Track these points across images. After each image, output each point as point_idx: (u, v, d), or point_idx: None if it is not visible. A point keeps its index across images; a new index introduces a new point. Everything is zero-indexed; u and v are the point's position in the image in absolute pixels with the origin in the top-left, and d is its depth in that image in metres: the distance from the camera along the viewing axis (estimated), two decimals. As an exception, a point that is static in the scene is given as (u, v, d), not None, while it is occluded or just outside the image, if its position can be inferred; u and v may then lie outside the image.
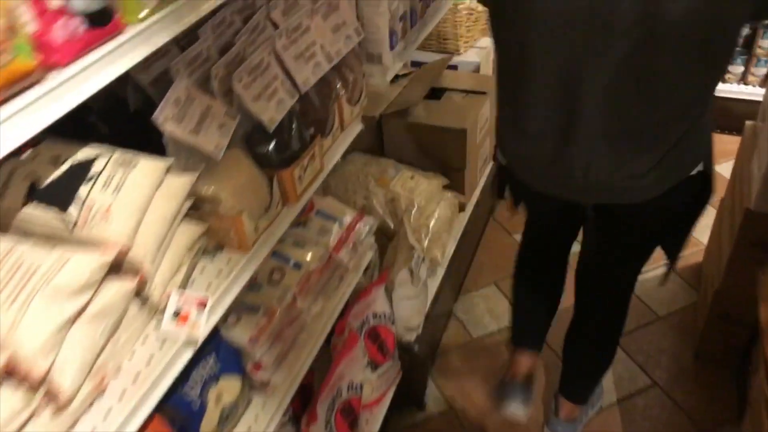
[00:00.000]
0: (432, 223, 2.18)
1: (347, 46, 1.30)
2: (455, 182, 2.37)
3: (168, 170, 0.96)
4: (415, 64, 2.82)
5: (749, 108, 3.07)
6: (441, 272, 2.24)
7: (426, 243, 2.14)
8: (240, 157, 1.10)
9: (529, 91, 1.23)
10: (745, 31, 3.03)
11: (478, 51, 2.80)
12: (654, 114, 1.17)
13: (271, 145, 1.14)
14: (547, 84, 1.19)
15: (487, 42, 2.85)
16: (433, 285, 2.19)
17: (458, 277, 2.48)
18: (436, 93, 2.48)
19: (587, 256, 1.70)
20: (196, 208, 1.07)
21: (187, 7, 0.90)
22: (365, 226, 1.55)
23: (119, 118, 1.15)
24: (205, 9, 0.91)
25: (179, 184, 0.96)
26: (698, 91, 1.19)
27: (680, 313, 2.33)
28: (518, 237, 2.72)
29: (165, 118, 0.96)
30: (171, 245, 1.00)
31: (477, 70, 2.75)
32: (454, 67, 2.76)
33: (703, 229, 2.67)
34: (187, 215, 1.04)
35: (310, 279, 1.36)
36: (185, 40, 1.16)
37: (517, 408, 1.84)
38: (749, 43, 3.04)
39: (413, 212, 2.15)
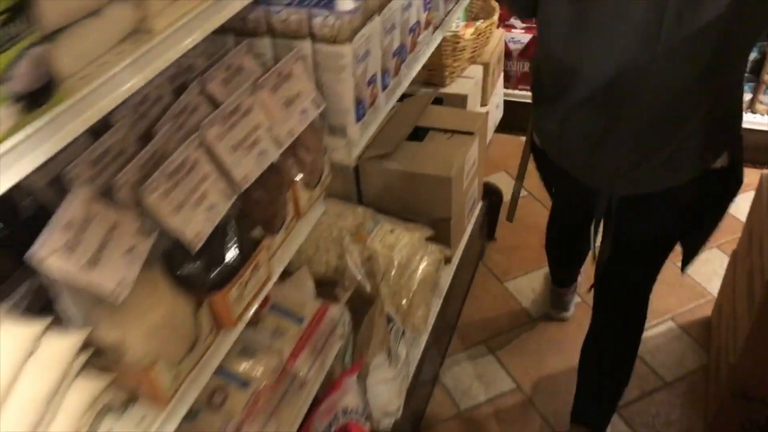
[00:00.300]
0: (414, 285, 1.95)
1: (303, 123, 1.07)
2: (440, 232, 2.14)
3: (44, 331, 0.72)
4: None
5: (757, 138, 2.86)
6: (424, 338, 2.01)
7: (406, 307, 1.91)
8: (156, 283, 0.87)
9: (574, 86, 1.32)
10: (753, 55, 2.82)
11: (465, 82, 2.57)
12: (676, 109, 1.26)
13: (199, 263, 0.90)
14: (591, 83, 1.28)
15: (475, 71, 2.62)
16: (416, 355, 1.97)
17: (444, 338, 2.25)
18: (418, 132, 2.25)
19: (607, 253, 1.66)
20: (99, 354, 0.83)
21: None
22: (332, 321, 1.31)
23: (7, 229, 0.91)
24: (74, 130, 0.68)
25: (60, 349, 0.72)
26: (721, 88, 1.27)
27: (689, 379, 2.11)
28: (510, 284, 2.51)
29: (48, 252, 0.72)
30: (62, 410, 0.77)
31: (464, 103, 2.52)
32: (440, 100, 2.53)
33: (710, 277, 2.46)
34: (88, 362, 0.81)
35: (259, 400, 1.13)
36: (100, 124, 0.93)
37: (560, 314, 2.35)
38: (758, 70, 2.83)
39: (392, 273, 1.92)
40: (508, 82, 3.15)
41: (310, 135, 1.12)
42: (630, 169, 1.37)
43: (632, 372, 1.77)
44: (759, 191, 1.97)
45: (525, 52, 3.03)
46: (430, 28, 1.55)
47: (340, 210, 2.09)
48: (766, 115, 2.86)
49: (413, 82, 2.54)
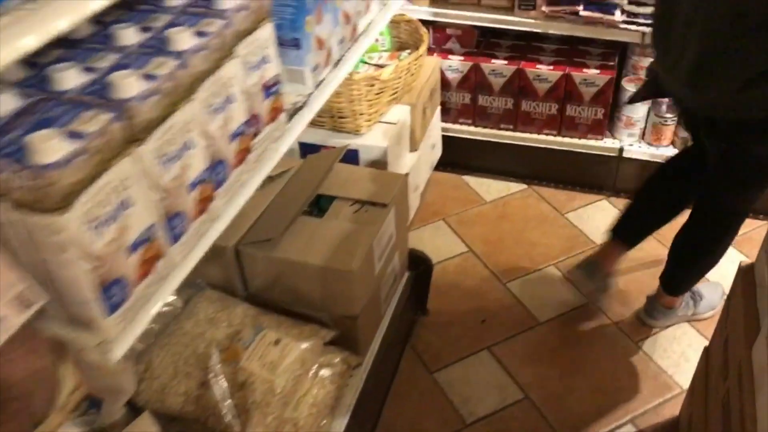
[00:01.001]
0: (302, 415, 1.52)
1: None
2: (346, 332, 1.71)
3: None
4: (306, 147, 2.14)
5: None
6: (320, 479, 1.58)
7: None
8: None
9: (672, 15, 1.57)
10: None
11: (386, 129, 2.13)
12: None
13: None
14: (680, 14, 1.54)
15: (399, 113, 2.18)
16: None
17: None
18: (321, 202, 1.81)
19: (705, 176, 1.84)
20: None
21: None
22: None
23: None
24: None
25: None
26: None
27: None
28: (440, 376, 2.06)
29: None
30: None
31: (384, 156, 2.08)
32: (354, 154, 2.09)
33: (677, 361, 2.07)
34: None
35: None
36: None
37: (586, 285, 2.21)
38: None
39: (273, 404, 1.48)
40: (447, 115, 2.71)
41: (20, 345, 0.67)
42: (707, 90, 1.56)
43: (715, 263, 1.96)
44: (735, 284, 1.57)
45: (465, 81, 2.60)
46: (282, 116, 1.10)
47: (214, 312, 1.64)
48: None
49: (323, 128, 2.11)
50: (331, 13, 1.21)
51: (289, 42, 1.10)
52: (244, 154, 0.97)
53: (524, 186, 2.77)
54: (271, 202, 1.79)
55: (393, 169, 2.15)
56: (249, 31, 0.93)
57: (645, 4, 2.24)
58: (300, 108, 1.18)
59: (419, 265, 2.13)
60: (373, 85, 2.01)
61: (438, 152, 2.69)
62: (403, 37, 2.41)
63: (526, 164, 2.74)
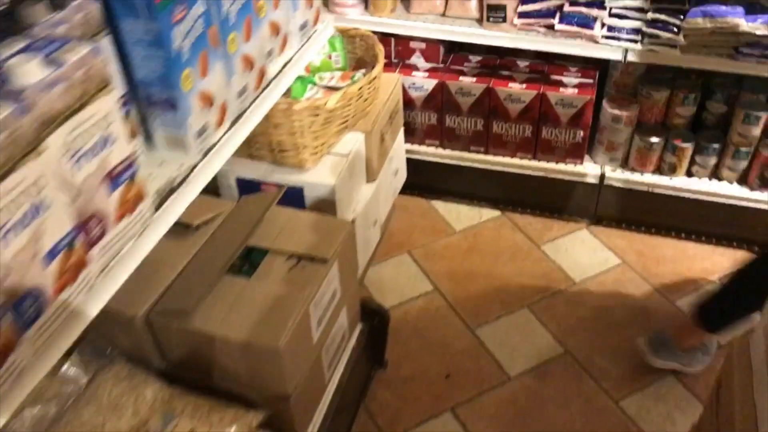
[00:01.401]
0: None
1: None
2: (279, 413, 1.47)
3: None
4: (244, 184, 1.89)
5: (724, 212, 2.24)
6: None
7: None
8: None
9: None
10: (721, 109, 2.18)
11: (334, 164, 1.87)
12: None
13: None
14: None
15: (350, 145, 1.92)
16: None
17: None
18: (252, 256, 1.56)
19: None
20: None
21: None
22: None
23: None
24: None
25: None
26: None
27: None
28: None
29: None
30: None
31: (331, 195, 1.82)
32: (298, 193, 1.83)
33: None
34: None
35: None
36: None
37: (652, 361, 1.93)
38: (724, 128, 2.19)
39: None
40: (412, 136, 2.46)
41: None
42: None
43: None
44: (732, 362, 1.33)
45: (430, 101, 2.35)
46: (145, 205, 0.85)
47: (119, 394, 1.39)
48: (734, 183, 2.23)
49: (262, 161, 1.83)
50: (223, 61, 0.96)
51: (161, 102, 0.85)
52: (72, 273, 0.72)
53: (497, 213, 2.53)
54: (193, 258, 1.54)
55: (344, 207, 1.90)
56: (73, 110, 0.68)
57: (627, 18, 1.99)
58: (177, 186, 0.92)
59: (373, 316, 1.89)
60: (317, 115, 1.76)
61: (402, 177, 2.44)
62: (359, 53, 2.15)
63: (499, 189, 2.50)
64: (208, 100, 0.94)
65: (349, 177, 1.92)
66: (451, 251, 2.38)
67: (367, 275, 2.29)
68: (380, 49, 2.01)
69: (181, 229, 1.58)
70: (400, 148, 2.34)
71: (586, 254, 2.34)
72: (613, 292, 2.20)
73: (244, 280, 1.50)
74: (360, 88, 1.86)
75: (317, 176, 1.83)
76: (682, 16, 1.92)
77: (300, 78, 1.97)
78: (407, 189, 2.54)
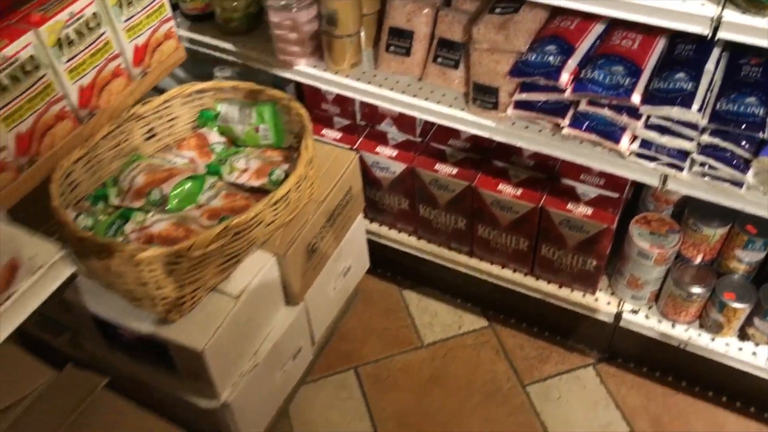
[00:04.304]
0: None
1: None
2: None
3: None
4: (99, 323, 1.41)
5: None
6: None
7: None
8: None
9: None
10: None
11: (212, 311, 1.35)
12: None
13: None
14: None
15: (247, 277, 1.39)
16: None
17: None
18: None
19: None
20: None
21: None
22: None
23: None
24: None
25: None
26: None
27: None
28: None
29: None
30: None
31: (201, 365, 1.32)
32: (162, 349, 1.34)
33: None
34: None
35: None
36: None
37: None
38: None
39: None
40: (381, 215, 1.90)
41: None
42: None
43: None
44: None
45: (399, 185, 1.76)
46: None
47: None
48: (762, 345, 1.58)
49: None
50: None
51: None
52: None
53: (483, 323, 1.96)
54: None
55: (225, 370, 1.40)
56: None
57: (671, 133, 1.32)
58: None
59: None
60: (177, 264, 1.23)
61: (361, 270, 1.90)
62: (296, 127, 1.58)
63: (488, 295, 1.92)
64: None
65: (241, 324, 1.40)
66: (409, 378, 1.85)
67: (297, 396, 1.81)
68: (307, 146, 1.44)
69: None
70: (355, 239, 1.79)
71: (583, 410, 1.76)
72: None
73: None
74: (256, 215, 1.31)
75: (184, 333, 1.32)
76: (754, 148, 1.25)
77: (192, 178, 1.44)
78: (378, 269, 2.02)
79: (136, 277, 1.23)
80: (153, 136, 1.59)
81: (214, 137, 1.62)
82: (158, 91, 1.63)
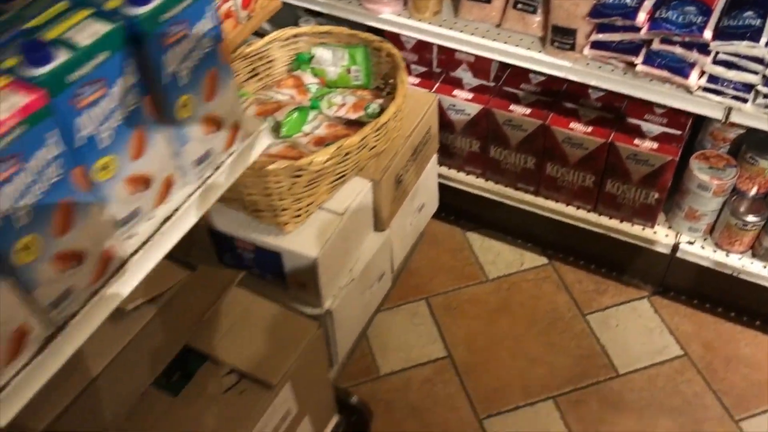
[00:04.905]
0: None
1: None
2: None
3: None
4: (218, 237, 1.57)
5: None
6: None
7: None
8: None
9: None
10: None
11: (322, 225, 1.52)
12: None
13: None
14: None
15: (348, 199, 1.55)
16: None
17: None
18: (188, 361, 1.27)
19: None
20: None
21: None
22: None
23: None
24: None
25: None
26: None
27: None
28: None
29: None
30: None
31: (311, 269, 1.48)
32: (276, 259, 1.50)
33: None
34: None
35: None
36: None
37: None
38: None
39: None
40: (450, 159, 2.05)
41: None
42: None
43: None
44: None
45: (473, 127, 1.91)
46: None
47: None
48: None
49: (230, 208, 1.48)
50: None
51: None
52: None
53: (543, 260, 2.12)
54: (116, 357, 1.26)
55: (331, 277, 1.56)
56: None
57: (738, 68, 1.46)
58: None
59: (351, 414, 1.58)
60: (299, 176, 1.39)
61: (431, 209, 2.05)
62: (384, 69, 1.73)
63: (548, 233, 2.07)
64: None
65: (344, 240, 1.57)
66: (477, 307, 2.01)
67: (374, 323, 1.97)
68: (402, 80, 1.59)
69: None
70: (429, 179, 1.94)
71: (640, 336, 1.91)
72: (664, 395, 1.78)
73: (170, 397, 1.22)
74: (363, 138, 1.47)
75: (298, 243, 1.49)
76: (817, 79, 1.39)
77: (299, 109, 1.60)
78: (442, 212, 2.16)
79: (263, 188, 1.39)
80: (255, 75, 1.75)
81: (309, 78, 1.78)
82: (257, 35, 1.79)
